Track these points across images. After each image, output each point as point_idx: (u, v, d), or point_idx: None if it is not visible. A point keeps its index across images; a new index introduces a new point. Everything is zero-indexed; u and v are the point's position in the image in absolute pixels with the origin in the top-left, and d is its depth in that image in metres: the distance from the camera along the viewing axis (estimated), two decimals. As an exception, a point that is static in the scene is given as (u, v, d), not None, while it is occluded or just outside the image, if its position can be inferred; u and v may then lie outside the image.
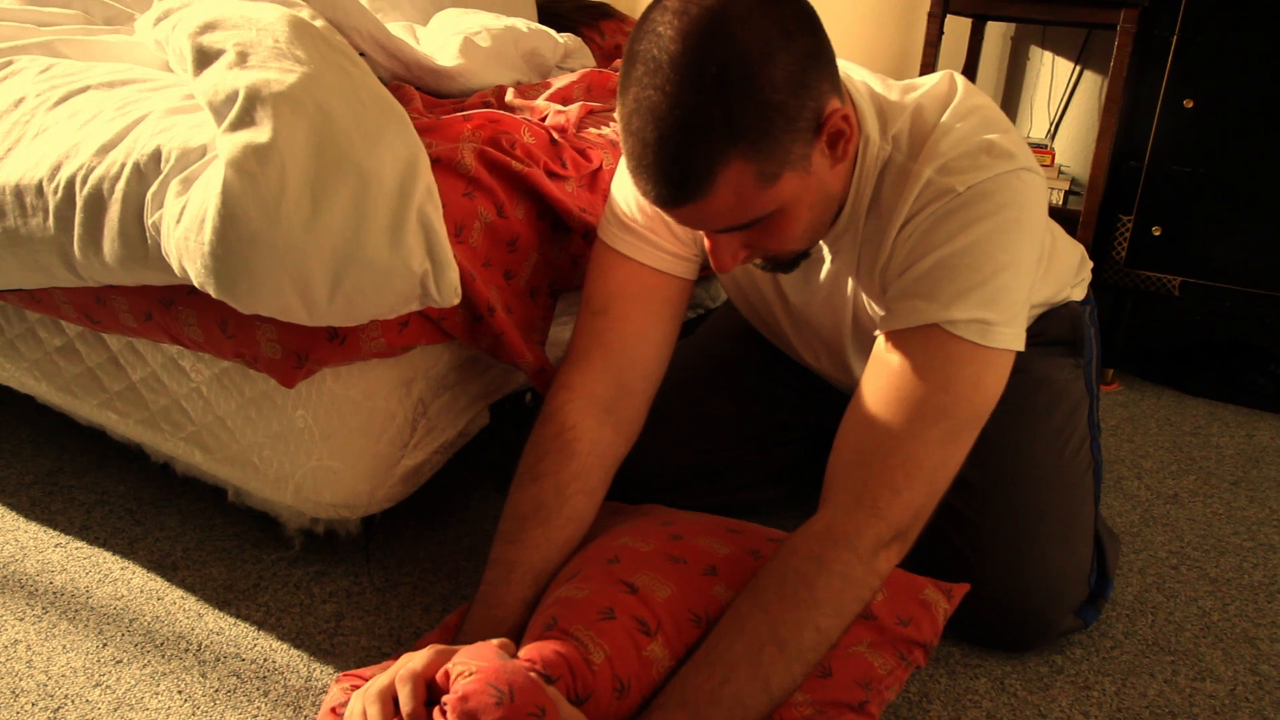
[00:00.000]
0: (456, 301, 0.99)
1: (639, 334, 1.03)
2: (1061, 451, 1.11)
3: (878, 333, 0.92)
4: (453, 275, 0.98)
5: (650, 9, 0.80)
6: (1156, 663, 1.09)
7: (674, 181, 0.79)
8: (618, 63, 1.84)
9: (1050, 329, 1.18)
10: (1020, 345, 0.89)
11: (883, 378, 0.89)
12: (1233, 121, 1.77)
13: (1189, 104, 1.79)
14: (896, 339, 0.89)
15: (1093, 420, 1.19)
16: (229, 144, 0.91)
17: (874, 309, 1.01)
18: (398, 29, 1.66)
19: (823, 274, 1.03)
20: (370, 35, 1.39)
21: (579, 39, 1.86)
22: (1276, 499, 1.48)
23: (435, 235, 0.96)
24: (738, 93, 0.76)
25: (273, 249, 0.89)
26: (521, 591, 0.94)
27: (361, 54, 1.42)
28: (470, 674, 0.78)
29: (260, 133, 0.90)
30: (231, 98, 0.93)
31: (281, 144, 0.89)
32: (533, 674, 0.80)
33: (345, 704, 0.85)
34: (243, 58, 0.97)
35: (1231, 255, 1.82)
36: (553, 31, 1.77)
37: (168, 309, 1.07)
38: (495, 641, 0.83)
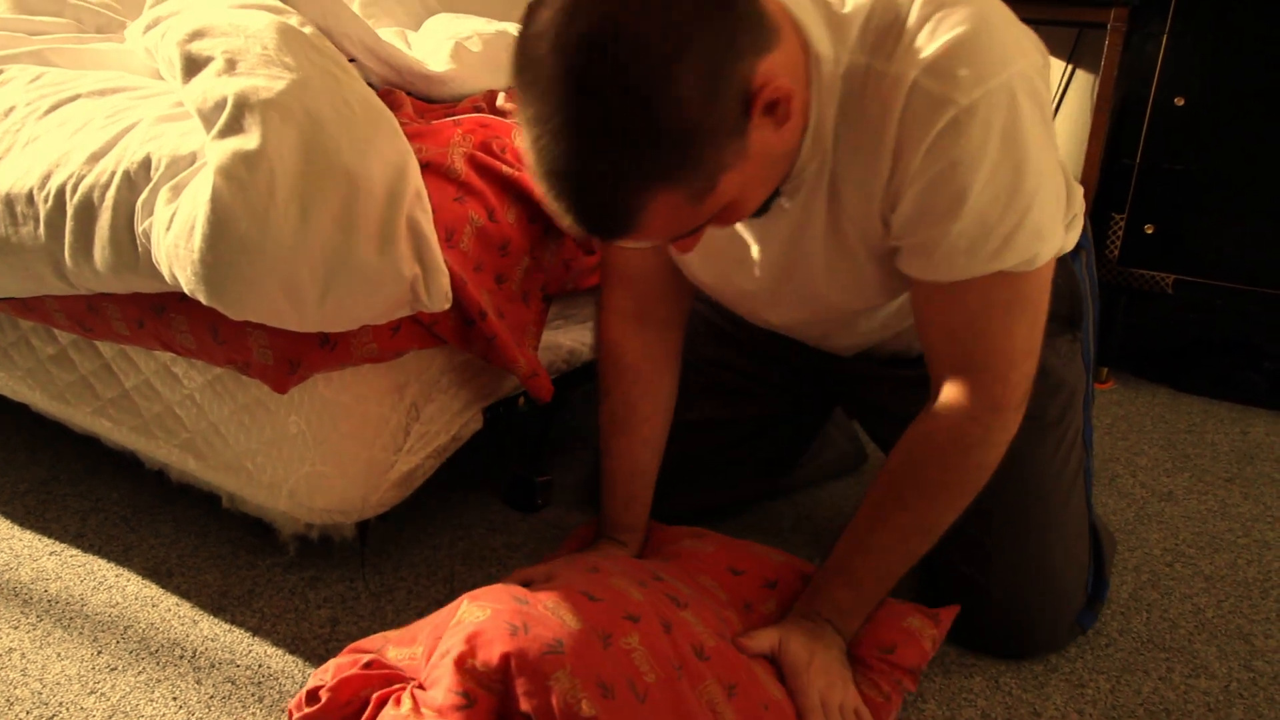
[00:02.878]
0: (447, 306, 1.00)
1: (646, 266, 1.10)
2: (1055, 454, 1.09)
3: (920, 278, 0.88)
4: (443, 280, 0.98)
5: (526, 21, 0.71)
6: (1151, 660, 1.09)
7: (596, 226, 0.75)
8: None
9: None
10: (1066, 242, 0.90)
11: (946, 309, 0.88)
12: (1223, 119, 1.77)
13: (1180, 102, 1.80)
14: (949, 287, 0.87)
15: (1088, 398, 1.14)
16: (218, 151, 0.91)
17: (865, 232, 0.90)
18: (389, 34, 1.66)
19: (785, 218, 0.94)
20: (360, 41, 1.39)
21: (571, 43, 1.86)
22: (1271, 495, 1.48)
23: (425, 240, 0.96)
24: (642, 134, 0.68)
25: (262, 255, 0.89)
26: (623, 493, 1.14)
27: (352, 60, 1.43)
28: (483, 616, 0.84)
29: (249, 139, 0.90)
30: (220, 105, 0.93)
31: (270, 150, 0.89)
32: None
33: (348, 664, 0.87)
34: (231, 65, 0.97)
35: (1224, 252, 1.82)
36: (544, 35, 1.76)
37: (159, 316, 1.07)
38: (511, 588, 0.90)
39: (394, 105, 1.33)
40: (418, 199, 0.96)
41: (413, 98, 1.43)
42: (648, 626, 0.86)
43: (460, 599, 0.88)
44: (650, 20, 0.67)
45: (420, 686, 0.82)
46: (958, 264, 0.84)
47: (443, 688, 0.79)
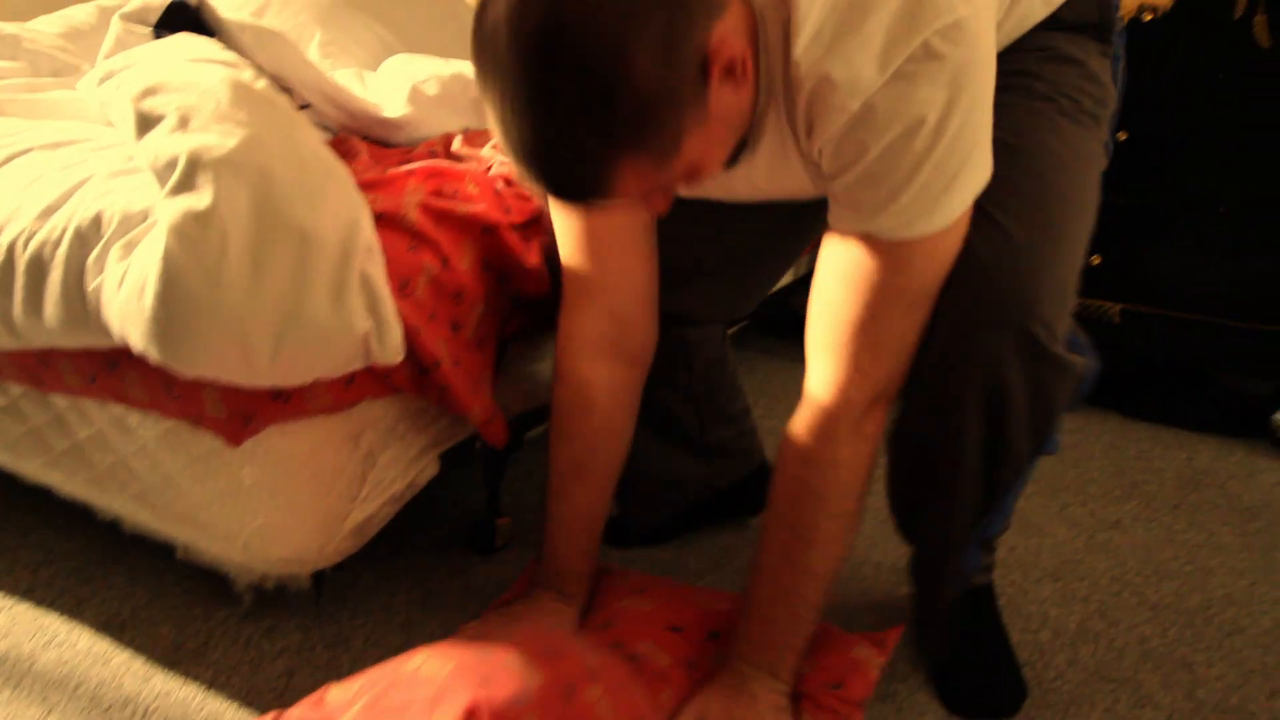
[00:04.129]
0: (400, 359, 1.01)
1: (621, 269, 1.04)
2: (1079, 144, 1.02)
3: (829, 231, 0.88)
4: (395, 333, 0.99)
5: (481, 5, 0.74)
6: (1097, 691, 1.11)
7: (566, 193, 0.78)
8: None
9: (1069, 14, 1.03)
10: (981, 182, 0.83)
11: (838, 270, 0.88)
12: (1166, 153, 1.83)
13: (1123, 137, 1.85)
14: (850, 240, 0.86)
15: (1115, 115, 1.08)
16: (170, 209, 0.91)
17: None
18: (346, 76, 1.67)
19: (761, 152, 0.92)
20: (316, 88, 1.40)
21: (528, 82, 1.88)
22: (1214, 521, 1.52)
23: (378, 294, 0.97)
24: (602, 109, 0.71)
25: (215, 313, 0.90)
26: (577, 543, 1.10)
27: (307, 105, 1.44)
28: (446, 670, 0.87)
29: (201, 198, 0.91)
30: (172, 163, 0.94)
31: (223, 208, 0.90)
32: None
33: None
34: (184, 122, 0.98)
35: (1169, 283, 1.87)
36: (501, 76, 1.78)
37: (112, 370, 1.07)
38: (468, 643, 0.92)
39: (349, 154, 1.34)
40: (369, 253, 0.97)
41: (369, 142, 1.44)
42: (611, 680, 0.87)
43: (415, 651, 0.89)
44: (601, 4, 0.69)
45: None
46: (866, 225, 0.84)
47: None
